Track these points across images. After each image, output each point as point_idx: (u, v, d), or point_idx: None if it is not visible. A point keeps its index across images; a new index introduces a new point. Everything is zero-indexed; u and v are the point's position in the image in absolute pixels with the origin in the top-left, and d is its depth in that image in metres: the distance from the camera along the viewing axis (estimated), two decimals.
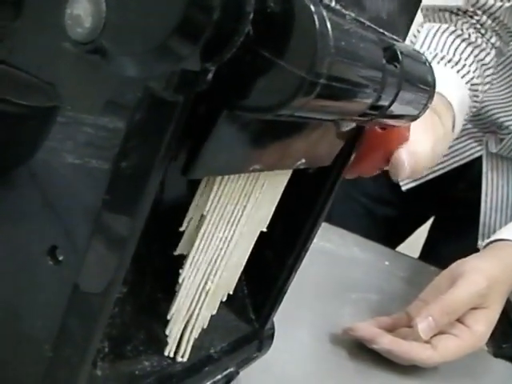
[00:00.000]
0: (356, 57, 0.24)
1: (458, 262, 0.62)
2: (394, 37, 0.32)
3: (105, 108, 0.23)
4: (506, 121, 0.79)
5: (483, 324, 0.58)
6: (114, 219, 0.24)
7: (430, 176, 0.85)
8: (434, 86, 0.35)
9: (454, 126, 0.58)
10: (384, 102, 0.29)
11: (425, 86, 0.34)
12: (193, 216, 0.32)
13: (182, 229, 0.32)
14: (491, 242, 0.67)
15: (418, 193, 0.89)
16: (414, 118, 0.35)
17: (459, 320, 0.58)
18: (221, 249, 0.34)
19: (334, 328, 0.57)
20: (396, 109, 0.31)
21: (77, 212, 0.25)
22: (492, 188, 0.80)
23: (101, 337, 0.26)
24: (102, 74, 0.23)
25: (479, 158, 0.83)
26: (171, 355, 0.35)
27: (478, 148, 0.83)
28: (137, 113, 0.22)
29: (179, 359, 0.35)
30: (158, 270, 0.35)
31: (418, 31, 0.71)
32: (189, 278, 0.33)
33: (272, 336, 0.44)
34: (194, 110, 0.23)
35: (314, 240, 0.76)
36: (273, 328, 0.44)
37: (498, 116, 0.80)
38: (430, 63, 0.35)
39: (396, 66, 0.29)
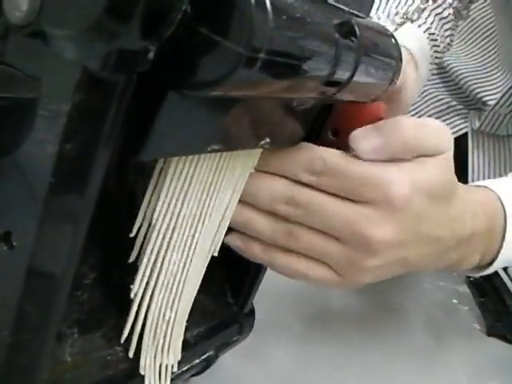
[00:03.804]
0: (301, 31, 0.24)
1: None
2: (354, 12, 0.32)
3: (52, 91, 0.23)
4: (485, 96, 0.78)
5: None
6: (61, 203, 0.24)
7: None
8: (399, 60, 0.35)
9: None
10: (340, 78, 0.29)
11: (389, 60, 0.33)
12: (142, 223, 0.32)
13: (131, 235, 0.32)
14: None
15: None
16: (380, 94, 0.34)
17: None
18: (178, 266, 0.33)
19: (322, 311, 0.58)
20: (357, 85, 0.31)
21: (29, 197, 0.24)
22: (478, 165, 0.80)
23: (60, 320, 0.26)
24: (45, 56, 0.23)
25: (466, 136, 0.82)
26: None
27: (463, 125, 0.82)
28: (77, 94, 0.22)
29: None
30: (128, 256, 0.35)
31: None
32: (141, 296, 0.33)
33: (252, 319, 0.44)
34: (142, 91, 0.23)
35: None
36: (253, 311, 0.44)
37: (478, 91, 0.79)
38: (395, 38, 0.35)
39: (353, 41, 0.29)
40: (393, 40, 0.35)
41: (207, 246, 0.36)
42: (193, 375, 0.40)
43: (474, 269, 0.50)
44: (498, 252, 0.50)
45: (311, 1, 0.26)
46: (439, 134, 0.38)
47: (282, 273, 0.39)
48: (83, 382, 0.31)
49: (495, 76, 0.78)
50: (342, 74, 0.28)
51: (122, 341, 0.33)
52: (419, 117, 0.84)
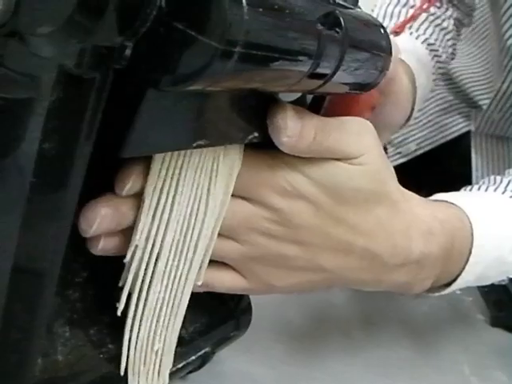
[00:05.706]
0: (279, 23, 0.24)
1: None
2: (340, 2, 0.31)
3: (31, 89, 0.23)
4: (481, 99, 0.78)
5: None
6: (43, 201, 0.24)
7: (419, 152, 0.84)
8: (389, 51, 0.34)
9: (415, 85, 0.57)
10: (325, 70, 0.28)
11: (378, 51, 0.33)
12: (137, 244, 0.31)
13: (125, 260, 0.32)
14: None
15: (410, 170, 0.87)
16: (370, 86, 0.34)
17: None
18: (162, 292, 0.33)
19: (323, 305, 0.57)
20: (344, 77, 0.30)
21: (11, 195, 0.24)
22: (482, 164, 0.78)
23: (47, 318, 0.26)
24: (24, 55, 0.23)
25: (469, 134, 0.81)
26: None
27: (465, 124, 0.81)
28: (54, 92, 0.22)
29: None
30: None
31: (372, 10, 0.70)
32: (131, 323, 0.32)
33: (249, 315, 0.43)
34: (121, 88, 0.23)
35: None
36: (250, 306, 0.43)
37: (476, 93, 0.79)
38: (385, 28, 0.35)
39: (337, 32, 0.29)
40: (382, 30, 0.34)
41: (193, 275, 0.34)
42: (189, 372, 0.40)
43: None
44: (458, 275, 0.46)
45: None
46: (357, 136, 0.36)
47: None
48: (77, 381, 0.32)
49: (490, 79, 0.77)
50: (326, 67, 0.28)
51: (122, 373, 0.33)
52: (421, 114, 0.83)
